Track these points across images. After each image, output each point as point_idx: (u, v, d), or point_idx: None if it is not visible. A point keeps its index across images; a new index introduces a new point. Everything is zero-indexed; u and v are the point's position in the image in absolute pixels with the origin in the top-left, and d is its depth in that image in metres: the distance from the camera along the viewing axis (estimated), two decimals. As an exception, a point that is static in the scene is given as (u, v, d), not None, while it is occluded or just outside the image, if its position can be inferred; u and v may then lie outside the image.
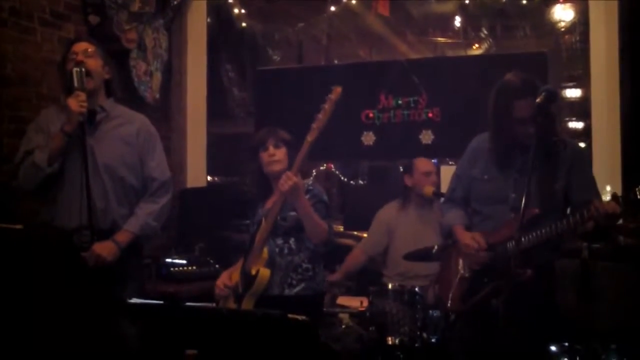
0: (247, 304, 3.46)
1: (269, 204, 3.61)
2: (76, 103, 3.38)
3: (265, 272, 3.43)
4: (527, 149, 3.18)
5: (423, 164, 4.81)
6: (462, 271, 3.40)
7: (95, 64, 3.58)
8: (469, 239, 3.33)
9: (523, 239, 3.09)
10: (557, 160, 3.23)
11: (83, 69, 3.46)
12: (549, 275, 3.34)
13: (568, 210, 3.29)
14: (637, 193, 2.95)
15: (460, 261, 3.43)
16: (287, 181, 3.29)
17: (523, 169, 3.24)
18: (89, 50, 3.58)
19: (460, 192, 3.57)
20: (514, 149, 3.30)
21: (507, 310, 2.97)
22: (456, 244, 3.48)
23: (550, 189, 3.20)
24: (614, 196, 3.01)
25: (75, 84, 3.42)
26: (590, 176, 3.35)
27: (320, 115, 3.30)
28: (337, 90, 3.32)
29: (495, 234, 3.30)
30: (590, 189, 3.29)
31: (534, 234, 3.12)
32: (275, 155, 3.57)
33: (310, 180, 3.60)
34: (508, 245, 3.21)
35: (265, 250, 3.46)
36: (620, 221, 4.63)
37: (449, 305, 3.41)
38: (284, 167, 3.52)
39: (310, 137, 3.30)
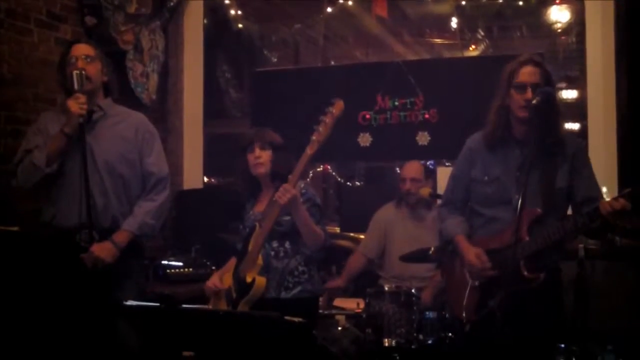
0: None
1: (259, 207, 3.61)
2: (76, 105, 3.40)
3: (261, 281, 3.41)
4: (527, 146, 3.17)
5: (409, 170, 4.78)
6: (470, 281, 3.31)
7: (94, 69, 3.59)
8: (473, 258, 3.24)
9: (532, 242, 3.07)
10: (558, 158, 3.19)
11: (83, 72, 3.48)
12: (557, 277, 3.30)
13: (569, 209, 3.27)
14: None
15: (466, 271, 3.35)
16: (285, 194, 3.26)
17: (524, 167, 3.20)
18: (89, 54, 3.59)
19: (459, 194, 3.49)
20: (511, 144, 3.27)
21: (521, 313, 2.97)
22: (459, 254, 3.39)
23: (552, 188, 3.16)
24: (624, 193, 2.96)
25: (76, 86, 3.44)
26: (592, 173, 3.33)
27: (321, 128, 3.27)
28: (340, 104, 3.29)
29: (500, 238, 3.22)
30: (594, 186, 3.26)
31: (543, 235, 3.07)
32: (260, 158, 3.54)
33: (302, 184, 3.57)
34: (516, 249, 3.11)
35: (260, 257, 3.45)
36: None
37: (463, 316, 3.31)
38: (267, 170, 3.54)
39: (310, 150, 3.27)
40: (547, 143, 3.15)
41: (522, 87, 3.18)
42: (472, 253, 3.27)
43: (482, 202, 3.37)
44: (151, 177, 3.71)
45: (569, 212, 3.30)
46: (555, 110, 3.16)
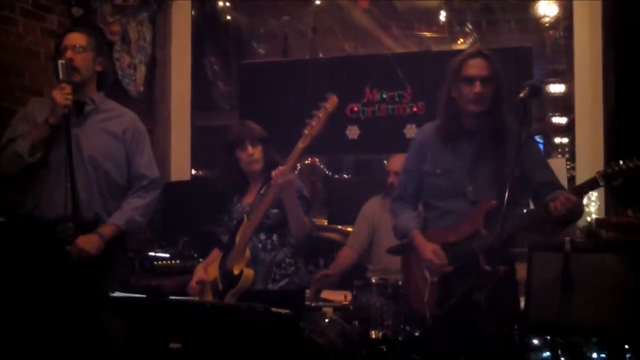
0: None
1: (247, 199, 3.61)
2: (60, 95, 3.37)
3: (249, 273, 3.42)
4: (476, 137, 3.22)
5: (392, 164, 4.79)
6: (429, 278, 3.31)
7: (83, 59, 3.55)
8: (430, 254, 3.25)
9: (490, 235, 3.08)
10: (507, 147, 3.17)
11: (69, 62, 3.45)
12: (513, 268, 3.33)
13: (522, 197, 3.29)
14: (599, 179, 2.94)
15: (425, 267, 3.35)
16: (283, 175, 3.27)
17: (475, 158, 3.24)
18: (81, 44, 3.55)
19: (411, 188, 3.51)
20: (462, 136, 3.28)
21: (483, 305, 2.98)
22: (415, 249, 3.40)
23: (504, 178, 3.11)
24: (573, 188, 3.06)
25: (60, 76, 3.41)
26: (543, 158, 3.35)
27: (313, 123, 3.28)
28: (333, 99, 3.30)
29: (456, 231, 3.24)
30: (547, 170, 3.29)
31: (501, 228, 3.01)
32: (254, 155, 3.56)
33: None
34: (473, 242, 3.16)
35: (248, 249, 3.45)
36: (603, 215, 4.69)
37: (426, 312, 3.30)
38: (262, 166, 3.56)
39: (302, 143, 3.29)
40: (496, 131, 3.17)
41: (470, 80, 3.17)
42: (429, 250, 3.28)
43: (436, 195, 3.38)
44: (143, 179, 3.70)
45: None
46: (501, 99, 3.19)
